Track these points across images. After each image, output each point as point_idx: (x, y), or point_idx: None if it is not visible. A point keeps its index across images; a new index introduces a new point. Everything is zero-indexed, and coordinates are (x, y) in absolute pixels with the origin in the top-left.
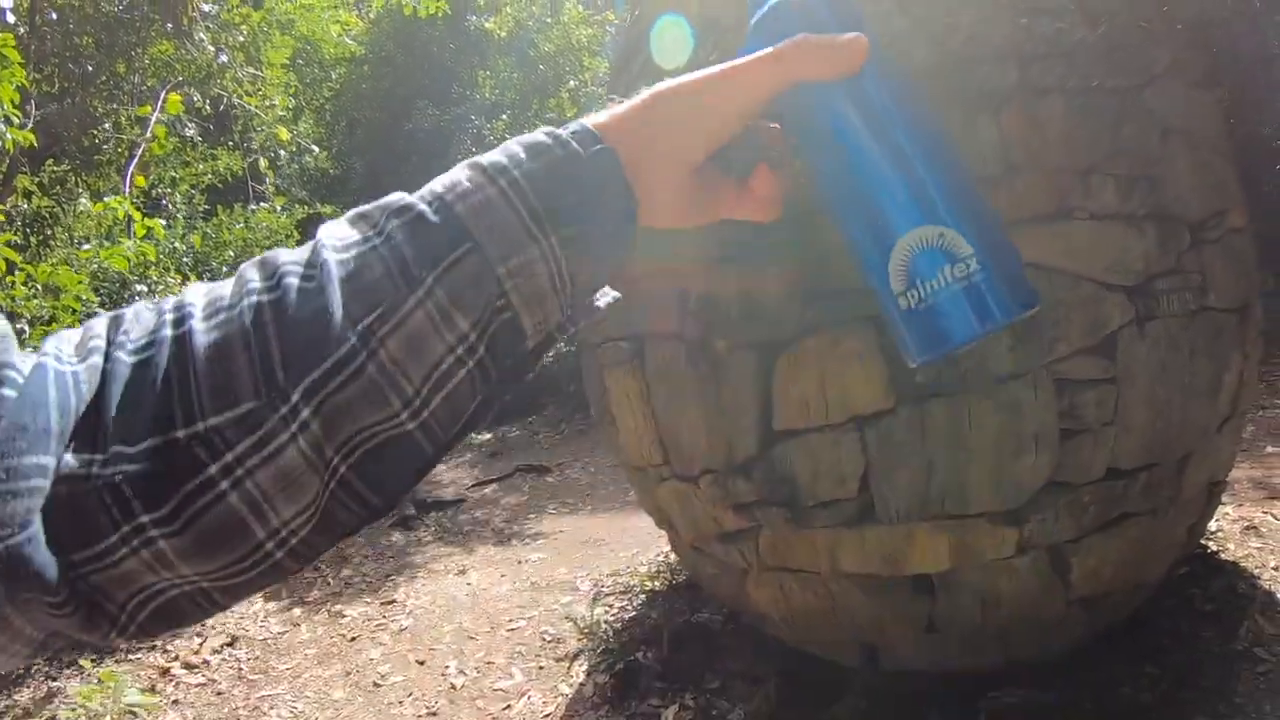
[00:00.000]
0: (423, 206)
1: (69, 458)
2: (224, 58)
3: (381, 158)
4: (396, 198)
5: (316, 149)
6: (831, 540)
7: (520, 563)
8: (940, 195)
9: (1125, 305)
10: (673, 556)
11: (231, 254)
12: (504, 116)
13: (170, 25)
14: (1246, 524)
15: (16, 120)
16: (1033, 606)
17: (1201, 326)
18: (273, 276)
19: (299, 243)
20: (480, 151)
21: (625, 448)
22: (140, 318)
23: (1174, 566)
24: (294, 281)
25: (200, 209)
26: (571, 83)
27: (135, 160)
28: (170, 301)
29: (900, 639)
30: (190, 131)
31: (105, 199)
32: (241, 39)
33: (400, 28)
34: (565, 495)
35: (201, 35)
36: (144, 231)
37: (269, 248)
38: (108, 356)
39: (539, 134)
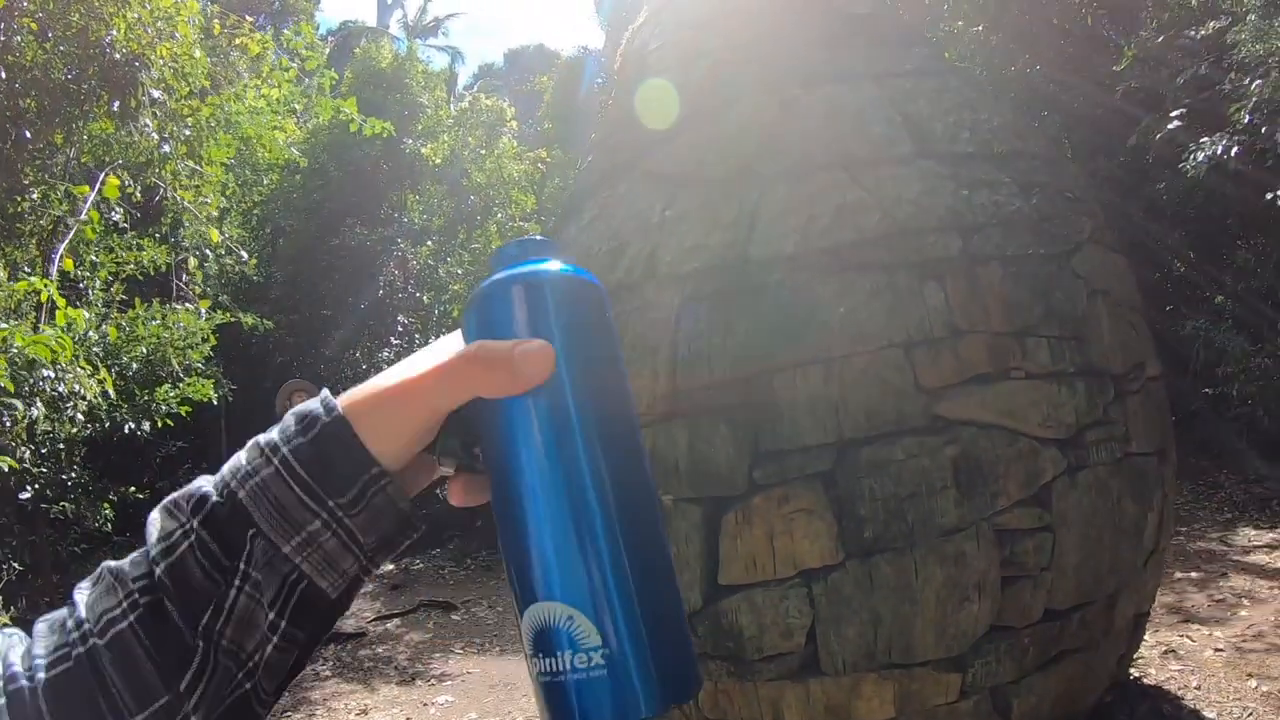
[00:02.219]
0: (215, 498)
1: None
2: (166, 147)
3: (304, 269)
4: (195, 487)
5: (246, 255)
6: (775, 693)
7: (426, 705)
8: (587, 572)
9: (1058, 457)
10: None
11: (143, 350)
12: (429, 242)
13: (118, 104)
14: (1165, 648)
15: None
16: None
17: (1126, 472)
18: (139, 588)
19: (214, 348)
20: (403, 275)
21: None
22: (40, 635)
23: (1103, 695)
24: (149, 599)
25: (117, 298)
26: (499, 215)
27: (66, 242)
28: (70, 621)
29: None
30: (117, 217)
31: (28, 277)
32: (188, 133)
33: (337, 141)
34: (472, 635)
35: (147, 121)
36: (64, 321)
37: (184, 349)
38: (25, 676)
39: (313, 405)
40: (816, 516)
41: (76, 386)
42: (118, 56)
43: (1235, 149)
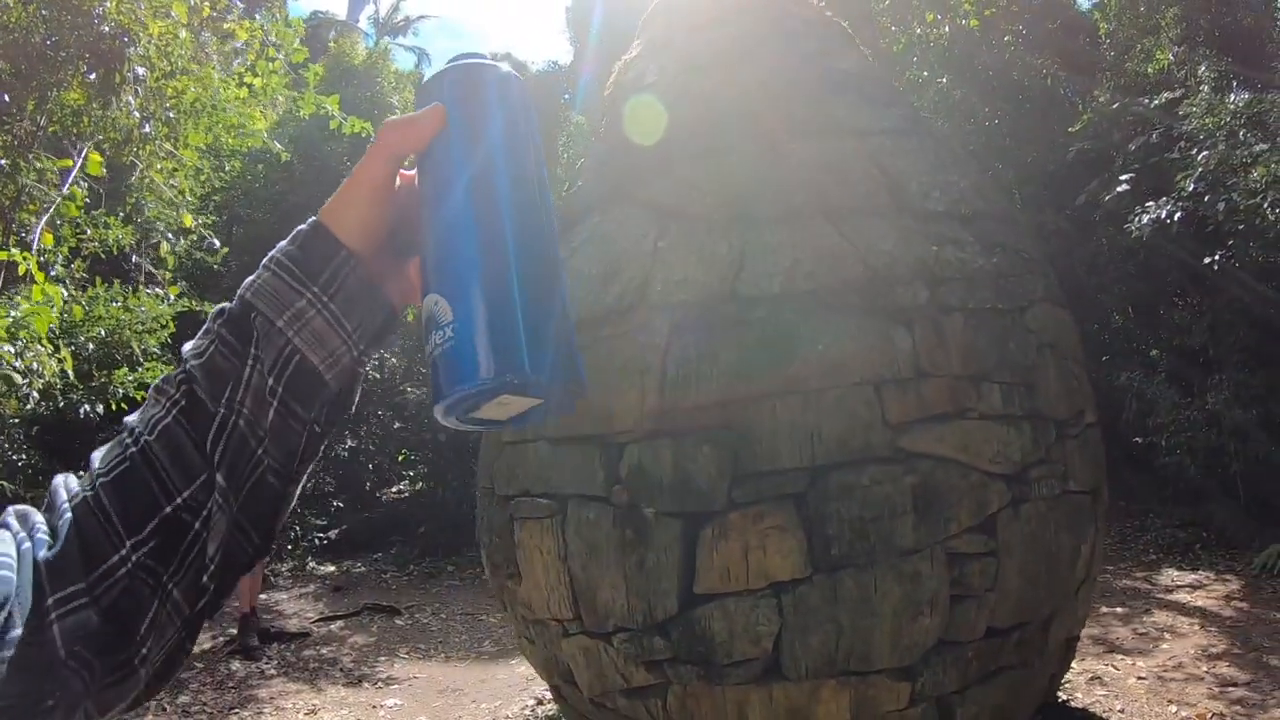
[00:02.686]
0: (228, 305)
1: (107, 563)
2: (148, 127)
3: (258, 261)
4: (221, 306)
5: (218, 244)
6: (741, 696)
7: (375, 708)
8: (448, 266)
9: (1004, 491)
10: (540, 710)
11: (101, 331)
12: None
13: (94, 75)
14: (1091, 675)
15: None
16: None
17: (1064, 507)
18: (178, 387)
19: (172, 335)
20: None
21: (528, 601)
22: (102, 454)
23: (1035, 713)
24: (185, 389)
25: (77, 276)
26: None
27: (47, 216)
28: (127, 431)
29: None
30: (80, 190)
31: (6, 247)
32: (171, 114)
33: (303, 135)
34: (417, 640)
35: (130, 99)
36: (41, 296)
37: (143, 333)
38: (88, 494)
39: (303, 225)
40: (789, 534)
41: (35, 364)
42: (106, 29)
43: (1179, 214)
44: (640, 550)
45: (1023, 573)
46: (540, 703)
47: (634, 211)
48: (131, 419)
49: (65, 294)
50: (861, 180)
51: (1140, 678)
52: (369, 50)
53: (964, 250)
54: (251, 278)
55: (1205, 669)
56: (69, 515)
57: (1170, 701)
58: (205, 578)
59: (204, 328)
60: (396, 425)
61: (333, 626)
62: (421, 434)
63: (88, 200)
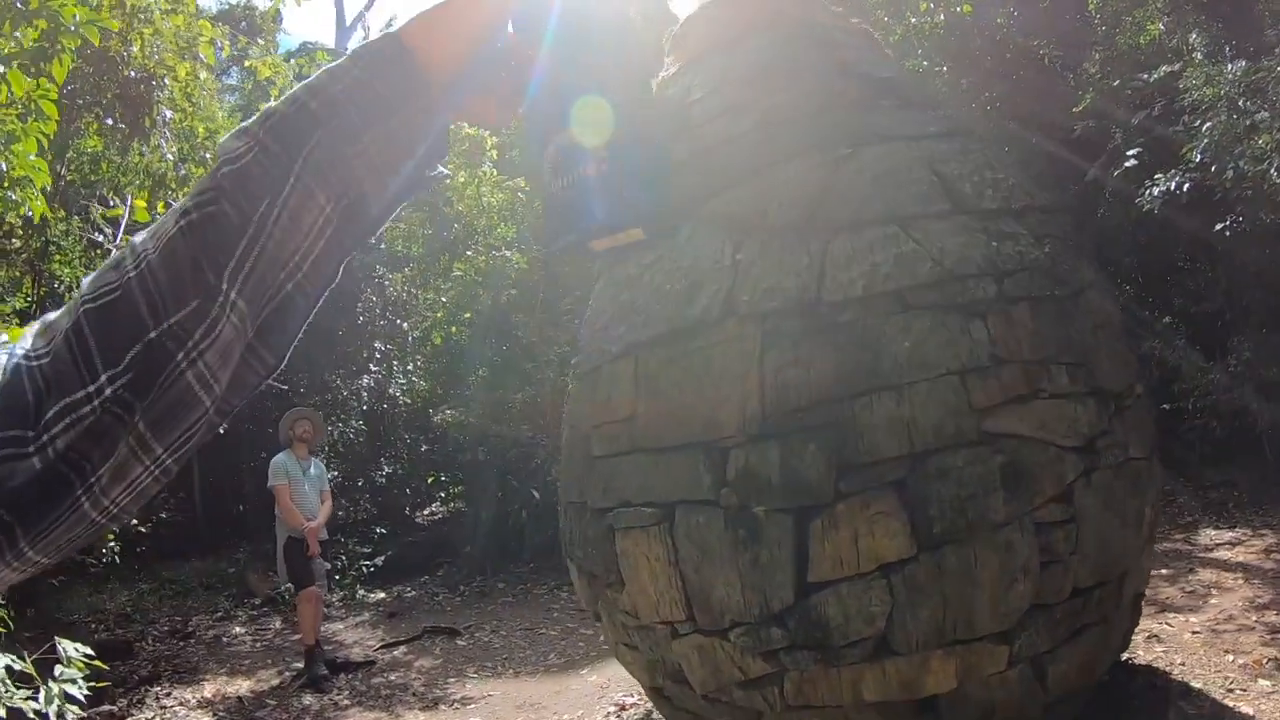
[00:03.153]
0: (284, 108)
1: (71, 398)
2: (183, 170)
3: None
4: (269, 108)
5: None
6: (856, 675)
7: None
8: (588, 115)
9: (1077, 462)
10: (625, 715)
11: None
12: (406, 270)
13: (122, 120)
14: (1148, 634)
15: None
16: (1021, 712)
17: (1128, 473)
18: (201, 196)
19: None
20: (381, 301)
21: (632, 608)
22: (108, 269)
23: (1104, 673)
24: (207, 203)
25: None
26: (480, 243)
27: (110, 263)
28: (130, 251)
29: None
30: (101, 239)
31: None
32: (206, 155)
33: None
34: (482, 658)
35: (162, 142)
36: None
37: None
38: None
39: (379, 39)
40: (894, 518)
41: None
42: (132, 73)
43: (1187, 185)
44: (753, 548)
45: (1098, 535)
46: (623, 709)
47: (706, 226)
48: (140, 237)
49: None
50: (919, 184)
51: (1194, 632)
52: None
53: (1020, 244)
54: (322, 75)
55: (1255, 619)
56: (12, 361)
57: (1226, 651)
58: (210, 405)
59: (241, 127)
60: (424, 448)
61: (396, 652)
62: (452, 455)
63: (110, 247)
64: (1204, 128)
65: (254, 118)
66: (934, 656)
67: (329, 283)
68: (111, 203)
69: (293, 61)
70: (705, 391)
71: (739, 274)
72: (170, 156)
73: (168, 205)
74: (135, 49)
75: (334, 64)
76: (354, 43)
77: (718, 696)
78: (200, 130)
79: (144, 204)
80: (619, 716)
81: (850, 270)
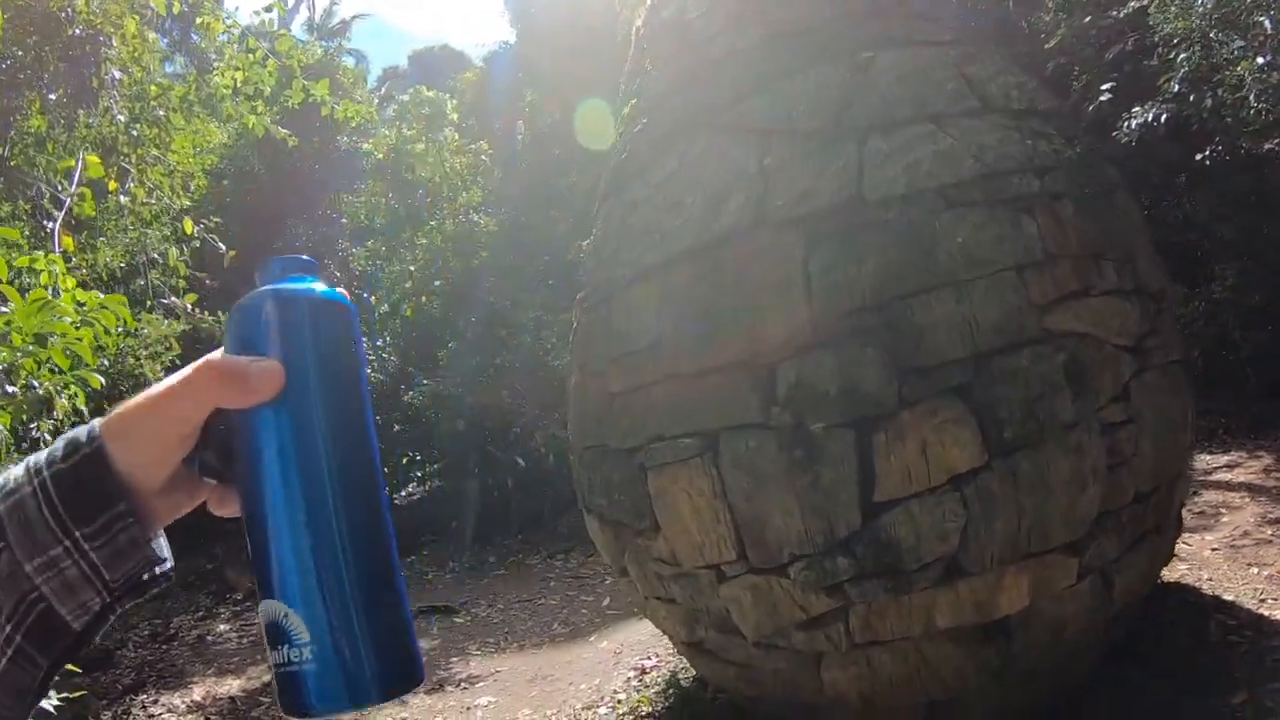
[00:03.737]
0: None
1: None
2: (135, 132)
3: (242, 276)
4: None
5: (224, 247)
6: (928, 600)
7: (469, 709)
8: (302, 577)
9: (1130, 361)
10: (646, 679)
11: (104, 362)
12: (370, 243)
13: (65, 90)
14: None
15: None
16: (1089, 626)
17: (1173, 375)
18: None
19: (178, 356)
20: (345, 276)
21: (670, 554)
22: None
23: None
24: None
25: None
26: (447, 208)
27: (61, 218)
28: None
29: (974, 687)
30: (51, 225)
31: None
32: (159, 113)
33: (269, 142)
34: (483, 635)
35: (110, 103)
36: (72, 304)
37: (147, 358)
38: None
39: (82, 429)
40: (963, 425)
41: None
42: (76, 31)
43: (1165, 116)
44: (814, 469)
45: (1154, 437)
46: (643, 672)
47: (723, 137)
48: None
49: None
50: (947, 84)
51: (1214, 549)
52: (325, 49)
53: (1053, 142)
54: (10, 481)
55: (1271, 533)
56: None
57: (1249, 565)
58: None
59: None
60: (396, 428)
61: None
62: (425, 433)
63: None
64: (1178, 59)
65: None
66: (1008, 573)
67: (32, 697)
68: (59, 187)
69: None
70: (743, 305)
71: (769, 180)
72: (121, 118)
73: (121, 171)
74: (80, 1)
75: (44, 451)
76: (298, 23)
77: (773, 642)
78: (153, 90)
79: (98, 160)
80: (641, 680)
81: (889, 168)
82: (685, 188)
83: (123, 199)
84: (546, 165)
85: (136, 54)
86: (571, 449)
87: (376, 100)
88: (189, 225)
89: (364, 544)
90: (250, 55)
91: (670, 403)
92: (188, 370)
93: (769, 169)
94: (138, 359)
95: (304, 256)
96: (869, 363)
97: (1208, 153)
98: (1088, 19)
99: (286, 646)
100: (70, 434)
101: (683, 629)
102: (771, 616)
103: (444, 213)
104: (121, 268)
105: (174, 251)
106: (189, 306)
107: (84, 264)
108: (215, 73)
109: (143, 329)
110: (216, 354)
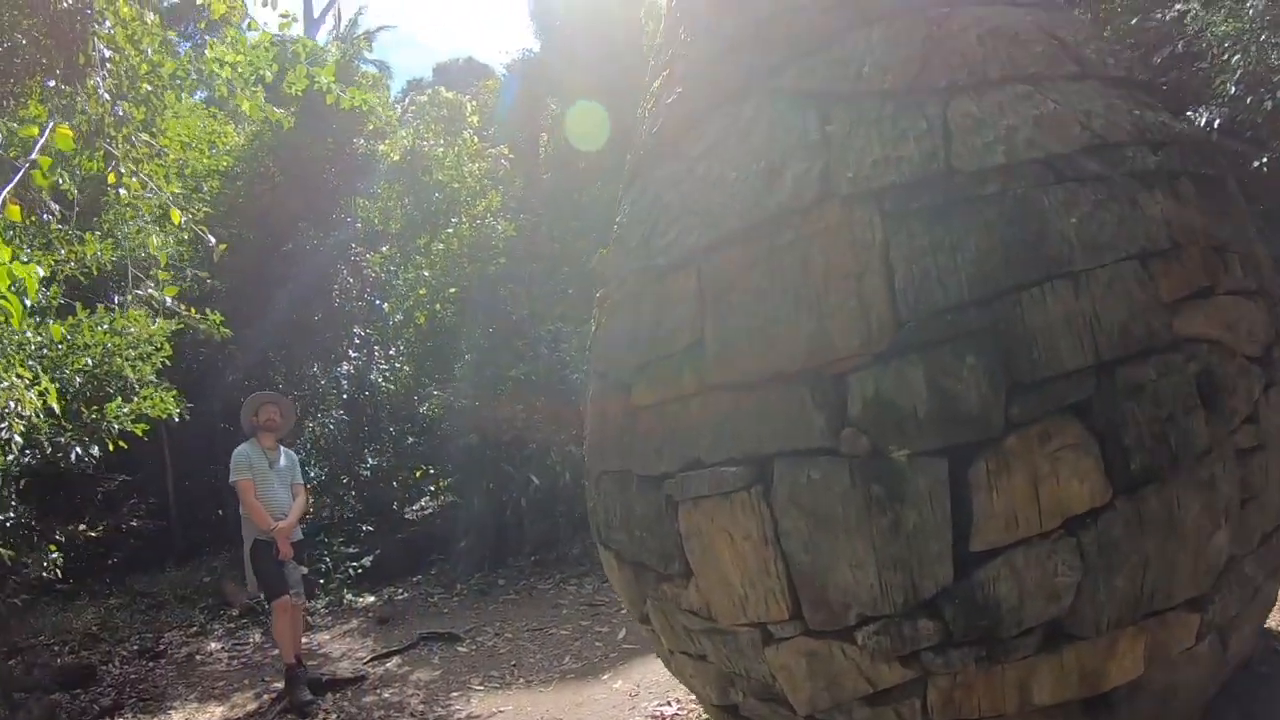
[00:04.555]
0: None
1: None
2: (120, 110)
3: (254, 280)
4: None
5: (214, 240)
6: (1024, 673)
7: None
8: None
9: (1259, 374)
10: None
11: (88, 361)
12: (385, 249)
13: (60, 66)
14: None
15: None
16: (1201, 693)
17: None
18: None
19: (168, 358)
20: (359, 282)
21: (704, 606)
22: None
23: None
24: None
25: (55, 303)
26: (466, 212)
27: (11, 185)
28: None
29: None
30: (48, 218)
31: None
32: (149, 87)
33: (283, 143)
34: (488, 667)
35: (98, 80)
36: (8, 280)
37: (135, 360)
38: None
39: None
40: (1083, 451)
41: (11, 403)
42: (65, 4)
43: (1218, 121)
44: (894, 508)
45: (1278, 466)
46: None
47: (775, 101)
48: None
49: (40, 272)
50: (1037, 44)
51: None
52: (343, 50)
53: (1160, 115)
54: None
55: None
56: None
57: None
58: None
59: None
60: (410, 440)
61: (389, 664)
62: (440, 445)
63: (59, 224)
64: (1234, 60)
65: None
66: (1123, 636)
67: None
68: (49, 127)
69: (267, 48)
70: (806, 298)
71: (834, 148)
72: (106, 96)
73: (106, 152)
74: None
75: None
76: (324, 32)
77: (830, 717)
78: (142, 67)
79: (68, 131)
80: None
81: (983, 134)
82: (731, 160)
83: (122, 192)
84: (570, 175)
85: (134, 35)
86: (588, 473)
87: (399, 109)
88: (176, 215)
89: None
90: (251, 35)
91: (712, 421)
92: None
93: (833, 135)
94: (124, 359)
95: None
96: (970, 374)
97: (1264, 160)
98: (1134, 20)
99: None
100: None
101: (714, 691)
102: (830, 689)
103: (461, 218)
104: (112, 262)
105: (154, 239)
106: (169, 300)
107: (72, 256)
108: (209, 47)
109: (128, 328)
110: None
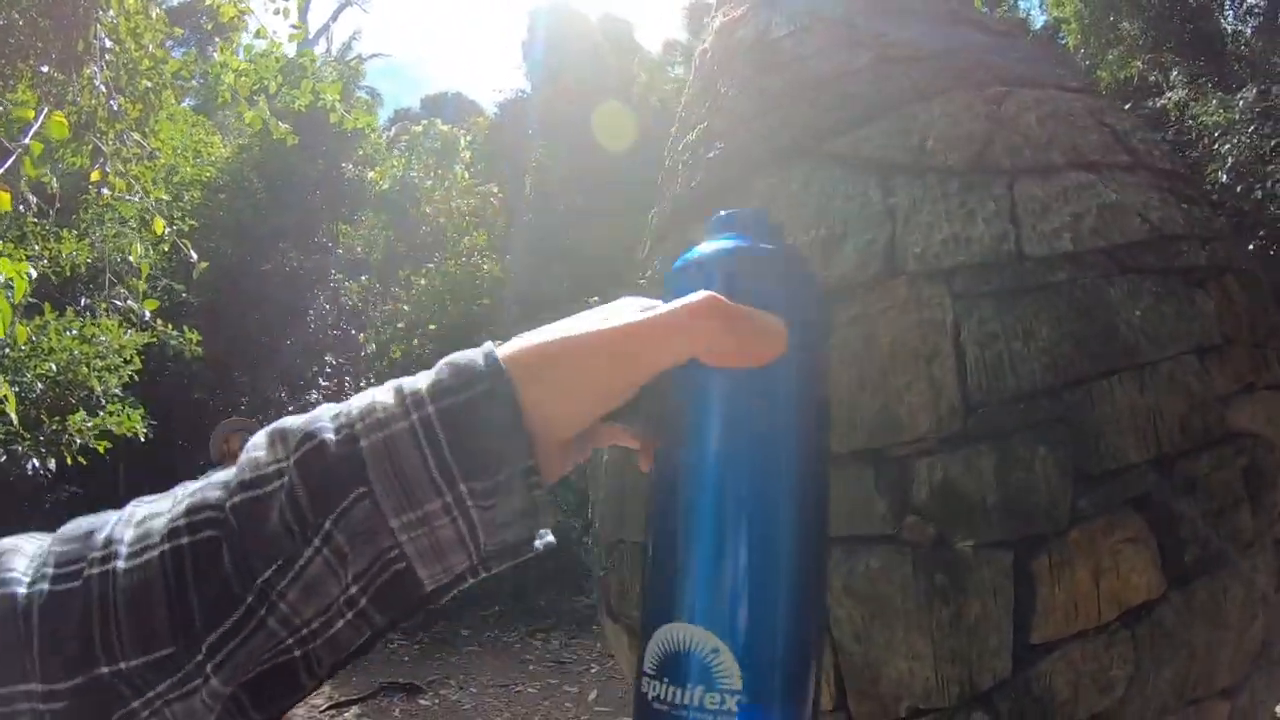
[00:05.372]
0: (329, 435)
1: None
2: (115, 104)
3: (228, 297)
4: (313, 418)
5: (196, 256)
6: None
7: None
8: (751, 607)
9: None
10: None
11: (52, 367)
12: (364, 278)
13: (55, 51)
14: None
15: None
16: None
17: None
18: (197, 514)
19: (137, 372)
20: (335, 310)
21: None
22: (65, 541)
23: None
24: (206, 533)
25: (22, 302)
26: (449, 255)
27: (7, 165)
28: (101, 534)
29: None
30: (23, 210)
31: None
32: (148, 84)
33: (268, 158)
34: None
35: (95, 70)
36: None
37: (103, 370)
38: (28, 587)
39: (474, 356)
40: (1141, 545)
41: None
42: None
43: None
44: (956, 600)
45: None
46: None
47: (829, 167)
48: (126, 513)
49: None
50: (1092, 131)
51: None
52: (340, 71)
53: (1203, 209)
54: (378, 408)
55: None
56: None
57: None
58: None
59: (277, 433)
60: None
61: (347, 715)
62: None
63: (35, 219)
64: (1224, 149)
65: (297, 423)
66: None
67: (350, 659)
68: (43, 114)
69: (276, 58)
70: (870, 376)
71: (899, 222)
72: (102, 88)
73: (95, 147)
74: None
75: (421, 377)
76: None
77: None
78: (144, 62)
79: (62, 119)
80: None
81: (1051, 220)
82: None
83: (105, 191)
84: (552, 222)
85: (136, 29)
86: (601, 537)
87: (386, 138)
88: (159, 224)
89: (819, 581)
90: (260, 44)
91: None
92: (664, 308)
93: (896, 208)
94: (90, 368)
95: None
96: (1041, 465)
97: (1251, 246)
98: (1127, 107)
99: (700, 689)
100: (458, 358)
101: None
102: None
103: (446, 254)
104: (87, 264)
105: (137, 247)
106: (147, 314)
107: (47, 253)
108: (219, 50)
109: (99, 337)
110: (700, 294)
